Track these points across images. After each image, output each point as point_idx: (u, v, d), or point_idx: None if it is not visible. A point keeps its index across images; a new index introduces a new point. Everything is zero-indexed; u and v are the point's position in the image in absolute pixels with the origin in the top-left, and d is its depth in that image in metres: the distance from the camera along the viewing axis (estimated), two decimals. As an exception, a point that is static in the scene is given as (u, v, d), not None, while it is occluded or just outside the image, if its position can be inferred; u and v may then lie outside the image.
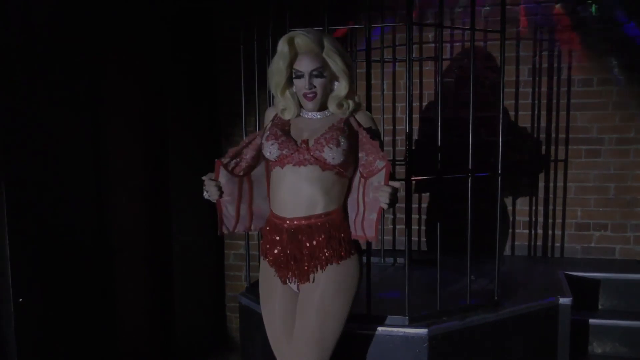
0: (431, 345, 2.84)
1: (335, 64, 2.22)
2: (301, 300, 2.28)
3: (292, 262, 2.24)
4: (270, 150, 2.20)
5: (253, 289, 3.31)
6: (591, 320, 3.67)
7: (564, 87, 4.33)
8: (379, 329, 2.85)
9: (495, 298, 3.16)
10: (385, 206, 2.10)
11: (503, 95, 3.20)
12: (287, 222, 2.22)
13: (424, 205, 4.48)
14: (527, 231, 4.46)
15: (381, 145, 2.32)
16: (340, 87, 2.26)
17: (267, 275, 2.35)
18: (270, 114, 2.39)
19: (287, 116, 2.30)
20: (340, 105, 2.28)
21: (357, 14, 4.48)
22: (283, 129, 2.25)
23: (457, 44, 4.48)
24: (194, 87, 4.64)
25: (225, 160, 2.34)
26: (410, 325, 2.85)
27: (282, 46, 2.20)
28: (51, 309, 3.25)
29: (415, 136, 4.42)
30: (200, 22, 4.65)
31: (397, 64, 4.50)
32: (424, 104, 4.55)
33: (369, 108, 2.97)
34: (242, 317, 3.48)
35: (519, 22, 4.35)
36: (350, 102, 2.30)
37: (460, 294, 3.12)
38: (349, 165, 2.25)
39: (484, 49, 4.38)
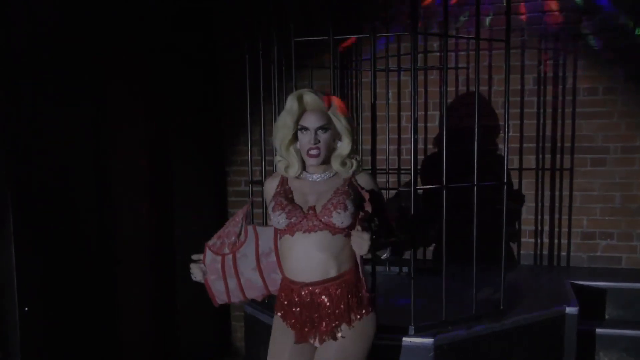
0: (437, 355, 2.82)
1: (340, 122, 2.28)
2: (318, 356, 2.31)
3: (310, 325, 2.28)
4: (278, 221, 2.23)
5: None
6: (598, 330, 3.65)
7: (569, 96, 4.33)
8: (385, 338, 2.84)
9: (501, 307, 3.15)
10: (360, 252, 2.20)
11: (508, 104, 3.19)
12: (303, 287, 2.26)
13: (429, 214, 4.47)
14: (533, 240, 4.45)
15: (383, 207, 2.42)
16: (344, 146, 2.31)
17: (279, 331, 2.37)
18: (270, 186, 2.38)
19: (291, 174, 2.32)
20: (343, 164, 2.31)
21: (362, 23, 4.50)
22: (287, 197, 2.27)
23: (462, 53, 4.49)
24: (198, 96, 4.66)
25: (211, 242, 2.48)
26: (416, 335, 2.84)
27: (292, 103, 2.25)
28: (55, 318, 3.25)
29: (420, 145, 4.42)
30: (205, 32, 4.67)
31: (402, 73, 4.51)
32: (429, 112, 4.55)
33: (374, 117, 2.98)
34: (247, 326, 3.47)
35: (524, 31, 4.36)
36: (354, 162, 2.35)
37: (466, 303, 3.11)
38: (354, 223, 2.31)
39: (489, 57, 4.38)
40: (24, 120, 3.07)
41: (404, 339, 2.84)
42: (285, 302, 2.33)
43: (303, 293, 2.26)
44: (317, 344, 2.33)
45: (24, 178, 3.07)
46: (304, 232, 2.23)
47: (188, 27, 4.47)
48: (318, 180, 2.33)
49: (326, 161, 2.32)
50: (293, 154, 2.32)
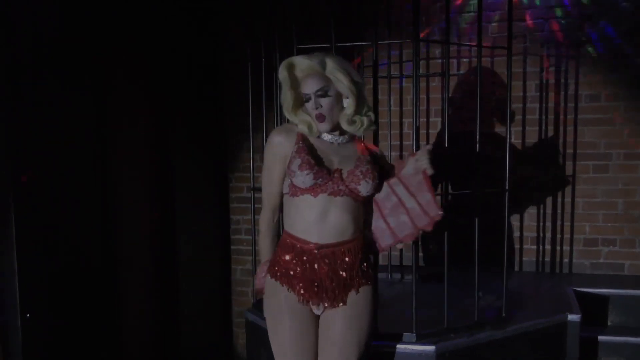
0: (439, 362, 2.82)
1: (340, 82, 2.22)
2: (327, 326, 2.27)
3: (324, 286, 2.23)
4: (304, 180, 2.17)
5: (260, 305, 3.30)
6: (600, 337, 3.63)
7: (571, 102, 4.33)
8: (387, 345, 2.83)
9: (503, 315, 3.14)
10: (430, 170, 2.32)
11: (510, 110, 3.20)
12: (316, 246, 2.21)
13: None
14: (535, 247, 4.44)
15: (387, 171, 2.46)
16: (349, 104, 2.25)
17: (277, 296, 2.29)
18: (285, 140, 2.27)
19: (313, 133, 2.27)
20: (352, 122, 2.27)
21: (364, 29, 4.51)
22: (313, 155, 2.22)
23: (465, 59, 4.50)
24: (201, 101, 4.66)
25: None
26: (417, 342, 2.83)
27: (282, 72, 2.24)
28: (57, 323, 3.25)
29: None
30: (208, 36, 4.68)
31: (404, 79, 4.52)
32: (431, 119, 4.56)
33: (376, 123, 2.98)
34: (248, 333, 3.47)
35: (526, 37, 4.36)
36: (364, 119, 2.29)
37: (468, 310, 3.11)
38: (374, 194, 2.34)
39: (491, 64, 4.38)
40: (25, 122, 3.07)
41: (406, 346, 2.83)
42: (288, 264, 2.25)
43: (316, 252, 2.21)
44: (317, 311, 2.28)
45: (26, 185, 3.07)
46: (328, 194, 2.20)
47: (191, 30, 4.49)
48: (338, 142, 2.30)
49: (337, 124, 2.29)
50: (303, 115, 2.27)
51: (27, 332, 3.06)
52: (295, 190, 2.22)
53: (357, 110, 2.27)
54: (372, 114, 2.35)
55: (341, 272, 2.23)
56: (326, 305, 2.27)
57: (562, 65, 4.33)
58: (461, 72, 4.50)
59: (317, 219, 2.20)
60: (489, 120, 4.31)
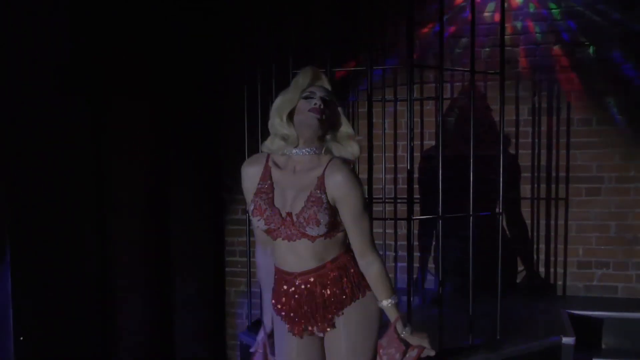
0: (433, 385, 2.81)
1: (339, 108, 2.23)
2: (328, 349, 2.26)
3: (308, 314, 2.21)
4: (258, 225, 2.17)
5: (255, 328, 3.30)
6: (594, 360, 3.65)
7: (563, 126, 4.38)
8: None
9: (498, 337, 3.15)
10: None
11: (503, 134, 3.25)
12: (297, 276, 2.19)
13: (426, 243, 4.49)
14: (529, 269, 4.46)
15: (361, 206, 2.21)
16: (346, 126, 2.22)
17: (281, 330, 2.29)
18: (252, 174, 2.22)
19: (290, 143, 2.16)
20: (346, 142, 2.22)
21: (358, 53, 4.56)
22: (268, 198, 2.17)
23: (458, 84, 4.55)
24: (198, 123, 4.69)
25: None
26: (411, 365, 2.83)
27: (304, 77, 2.20)
28: (51, 347, 3.24)
29: (416, 174, 4.46)
30: (206, 58, 4.72)
31: (398, 103, 4.57)
32: (425, 142, 4.60)
33: (370, 147, 3.02)
34: (242, 355, 3.46)
35: (518, 62, 4.43)
36: (356, 146, 2.25)
37: (463, 332, 3.12)
38: (337, 223, 2.18)
39: (484, 88, 4.44)
40: (21, 127, 3.08)
41: (400, 369, 2.83)
42: (283, 299, 2.23)
43: (297, 282, 2.18)
44: (318, 333, 2.25)
45: (21, 206, 3.08)
46: (283, 239, 2.16)
47: (191, 50, 4.52)
48: (308, 154, 2.16)
49: (316, 137, 2.16)
50: (288, 125, 2.15)
51: (20, 356, 3.05)
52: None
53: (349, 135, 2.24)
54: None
55: (323, 296, 2.18)
56: (318, 329, 2.23)
57: (554, 90, 4.39)
58: (455, 96, 4.55)
59: (287, 255, 2.18)
60: (483, 144, 4.35)
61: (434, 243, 4.43)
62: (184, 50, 4.44)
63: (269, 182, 2.19)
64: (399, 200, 4.24)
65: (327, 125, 2.17)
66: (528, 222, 4.46)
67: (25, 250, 3.08)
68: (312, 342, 2.25)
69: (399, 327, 2.15)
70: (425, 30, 4.56)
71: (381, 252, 4.50)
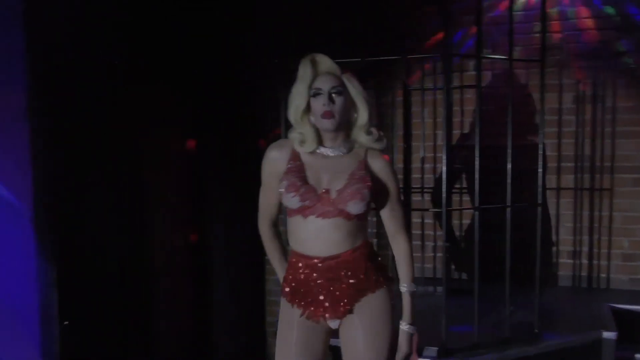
0: (468, 378, 2.80)
1: (354, 87, 2.16)
2: (345, 339, 2.23)
3: (329, 298, 2.17)
4: (291, 202, 2.12)
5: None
6: (637, 356, 3.53)
7: (608, 114, 4.26)
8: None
9: (536, 331, 3.10)
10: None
11: (543, 123, 3.19)
12: (322, 260, 2.15)
13: (464, 234, 4.44)
14: (570, 261, 4.37)
15: (397, 198, 2.27)
16: (363, 114, 2.17)
17: (285, 312, 2.25)
18: (279, 157, 2.21)
19: (307, 148, 2.17)
20: (369, 132, 2.18)
21: (399, 42, 4.51)
22: (300, 176, 2.14)
23: (499, 71, 4.46)
24: (234, 121, 4.70)
25: None
26: (446, 357, 2.82)
27: (305, 68, 2.15)
28: (94, 333, 3.32)
29: (456, 164, 4.40)
30: (241, 55, 4.74)
31: (438, 91, 4.51)
32: (465, 132, 4.53)
33: (408, 135, 2.99)
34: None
35: (562, 49, 4.32)
36: (381, 132, 2.22)
37: (499, 325, 3.08)
38: (370, 208, 2.20)
39: (526, 76, 4.35)
40: (65, 132, 3.17)
41: (429, 361, 2.82)
42: (295, 280, 2.19)
43: (320, 267, 2.14)
44: (332, 323, 2.21)
45: (67, 201, 3.17)
46: (317, 216, 2.13)
47: (221, 44, 4.53)
48: (332, 155, 2.18)
49: (341, 131, 2.17)
50: (308, 127, 2.16)
51: (65, 341, 3.14)
52: (289, 211, 2.17)
53: (370, 122, 2.20)
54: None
55: (347, 282, 2.16)
56: (337, 318, 2.20)
57: (599, 77, 4.27)
58: (495, 84, 4.47)
59: (312, 238, 2.14)
60: (524, 133, 4.27)
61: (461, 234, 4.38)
62: (203, 48, 4.43)
63: (299, 162, 2.17)
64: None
65: (345, 114, 2.14)
66: (571, 213, 4.36)
67: (69, 241, 3.17)
68: (315, 333, 2.21)
69: (406, 319, 2.21)
70: (467, 17, 4.48)
71: (418, 242, 4.49)
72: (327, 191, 2.13)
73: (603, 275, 4.30)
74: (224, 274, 4.52)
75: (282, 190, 2.13)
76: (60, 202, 3.16)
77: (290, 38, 4.19)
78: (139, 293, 3.73)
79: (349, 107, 2.15)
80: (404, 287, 2.22)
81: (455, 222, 4.49)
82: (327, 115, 2.10)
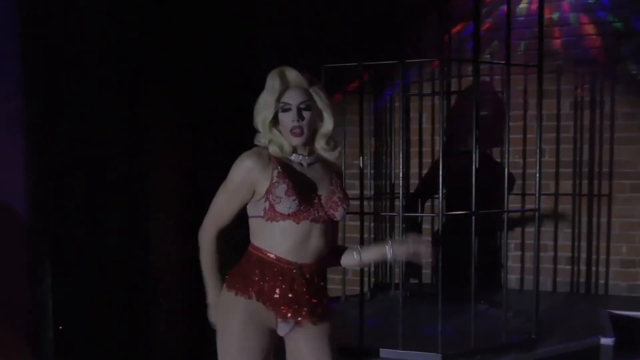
0: (464, 384, 2.79)
1: (321, 100, 2.19)
2: (310, 343, 2.24)
3: (302, 303, 2.19)
4: (290, 206, 2.12)
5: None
6: (636, 362, 3.54)
7: (607, 120, 4.26)
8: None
9: (533, 336, 3.09)
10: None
11: (540, 129, 3.18)
12: (297, 266, 2.18)
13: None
14: (569, 267, 4.35)
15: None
16: (327, 123, 2.21)
17: (243, 312, 2.20)
18: (259, 164, 2.18)
19: (284, 154, 2.20)
20: (328, 142, 2.23)
21: (399, 47, 4.51)
22: (292, 182, 2.16)
23: (497, 77, 4.46)
24: (233, 117, 4.70)
25: None
26: (442, 363, 2.81)
27: (274, 81, 2.17)
28: (89, 337, 3.31)
29: (453, 169, 4.39)
30: (242, 53, 4.74)
31: (437, 97, 4.51)
32: (461, 137, 4.53)
33: (406, 140, 2.99)
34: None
35: (559, 55, 4.31)
36: (337, 142, 2.28)
37: (496, 330, 3.07)
38: None
39: (524, 82, 4.34)
40: (61, 128, 3.16)
41: (430, 367, 2.81)
42: (262, 281, 2.19)
43: (298, 272, 2.17)
44: (283, 331, 2.22)
45: (63, 204, 3.16)
46: (310, 220, 2.16)
47: (224, 42, 4.53)
48: (308, 163, 2.23)
49: (309, 142, 2.22)
50: (278, 135, 2.20)
51: (60, 345, 3.12)
52: (275, 215, 2.15)
53: (332, 132, 2.25)
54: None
55: (315, 289, 2.21)
56: (299, 319, 2.21)
57: (597, 83, 4.27)
58: (492, 90, 4.46)
59: (299, 243, 2.17)
60: (521, 139, 4.28)
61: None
62: (219, 50, 4.45)
63: (281, 170, 2.17)
64: (435, 197, 4.18)
65: (312, 126, 2.19)
66: (569, 218, 4.35)
67: (64, 245, 3.16)
68: (272, 340, 2.22)
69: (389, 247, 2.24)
70: (465, 23, 4.48)
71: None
72: (319, 197, 2.18)
73: (601, 281, 4.29)
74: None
75: (280, 195, 2.12)
76: (55, 204, 3.15)
77: (291, 42, 4.21)
78: (136, 296, 3.71)
79: (316, 118, 2.20)
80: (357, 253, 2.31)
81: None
82: (297, 133, 2.15)
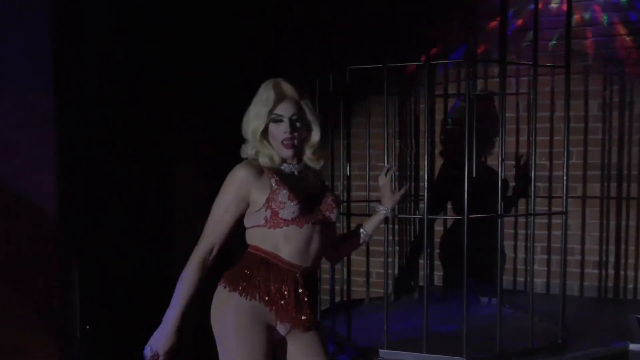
0: (489, 389, 2.76)
1: (310, 113, 2.26)
2: (307, 349, 2.29)
3: (300, 306, 2.22)
4: (293, 210, 2.17)
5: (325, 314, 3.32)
6: (666, 369, 3.47)
7: (636, 122, 4.18)
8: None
9: (559, 341, 3.04)
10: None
11: (568, 131, 3.13)
12: (299, 269, 2.22)
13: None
14: (596, 271, 4.29)
15: None
16: (315, 135, 2.28)
17: (248, 313, 2.22)
18: (252, 174, 2.22)
19: (274, 163, 2.24)
20: (315, 153, 2.29)
21: (423, 48, 4.49)
22: (292, 187, 2.21)
23: (524, 78, 4.41)
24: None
25: None
26: (469, 367, 2.78)
27: (268, 93, 2.20)
28: (116, 337, 3.34)
29: (480, 172, 4.35)
30: (264, 56, 4.75)
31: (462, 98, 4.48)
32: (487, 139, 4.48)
33: (431, 142, 2.96)
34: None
35: (588, 55, 4.25)
36: (323, 152, 2.35)
37: (521, 335, 3.03)
38: None
39: (551, 83, 4.29)
40: (91, 141, 3.20)
41: (455, 371, 2.78)
42: (273, 283, 2.21)
43: (297, 275, 2.20)
44: (284, 331, 2.25)
45: (89, 202, 3.19)
46: (311, 223, 2.21)
47: (246, 47, 4.55)
48: (299, 170, 2.29)
49: (296, 152, 2.27)
50: (267, 146, 2.24)
51: (87, 344, 3.16)
52: (278, 222, 2.18)
53: (319, 144, 2.31)
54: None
55: (312, 292, 2.27)
56: (303, 318, 2.25)
57: (627, 84, 4.19)
58: (521, 91, 4.42)
59: (302, 246, 2.21)
60: (548, 141, 4.22)
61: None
62: (241, 56, 4.46)
63: (277, 178, 2.22)
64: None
65: (302, 140, 2.26)
66: (597, 222, 4.29)
67: (92, 245, 3.20)
68: (273, 338, 2.24)
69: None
70: (493, 23, 4.44)
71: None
72: (316, 201, 2.27)
73: (630, 285, 4.22)
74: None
75: (284, 200, 2.17)
76: (85, 205, 3.18)
77: (315, 44, 4.21)
78: (162, 296, 3.73)
79: (305, 131, 2.26)
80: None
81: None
82: (288, 145, 2.21)
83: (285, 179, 2.23)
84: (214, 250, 2.31)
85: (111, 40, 3.35)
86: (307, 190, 2.27)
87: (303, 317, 2.21)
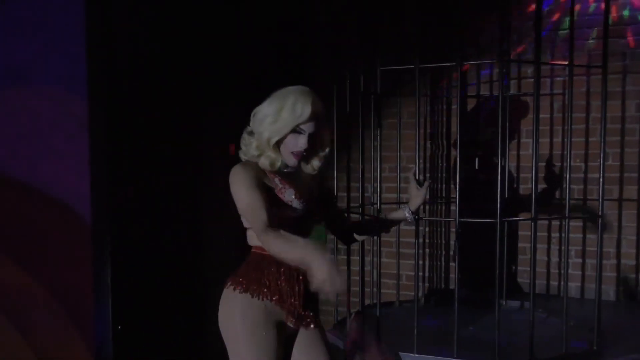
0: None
1: (324, 127, 2.25)
2: (310, 344, 2.29)
3: (306, 299, 2.26)
4: (299, 207, 2.22)
5: (340, 327, 3.31)
6: None
7: (676, 123, 4.07)
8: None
9: (595, 347, 2.98)
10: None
11: (604, 132, 3.06)
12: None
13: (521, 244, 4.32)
14: (633, 276, 4.19)
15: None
16: (327, 149, 2.31)
17: (257, 308, 2.21)
18: (256, 172, 2.23)
19: (273, 168, 2.24)
20: (319, 164, 2.31)
21: (458, 50, 4.44)
22: (290, 185, 2.24)
23: (559, 78, 4.33)
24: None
25: None
26: (499, 373, 2.74)
27: (304, 107, 2.14)
28: (147, 337, 3.37)
29: (515, 174, 4.29)
30: (295, 56, 4.76)
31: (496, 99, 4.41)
32: (522, 140, 4.41)
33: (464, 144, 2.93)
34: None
35: (625, 55, 4.16)
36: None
37: (555, 341, 2.97)
38: None
39: (587, 83, 4.20)
40: (125, 132, 3.24)
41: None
42: (283, 280, 2.21)
43: (297, 271, 2.18)
44: (292, 323, 2.26)
45: (123, 204, 3.23)
46: (313, 219, 2.31)
47: (277, 48, 4.56)
48: (292, 170, 2.29)
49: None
50: (275, 150, 2.22)
51: (118, 345, 3.19)
52: (282, 220, 2.15)
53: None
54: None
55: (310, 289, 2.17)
56: (311, 314, 2.30)
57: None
58: (556, 91, 4.34)
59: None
60: (584, 142, 4.14)
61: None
62: (269, 53, 4.47)
63: (280, 177, 2.25)
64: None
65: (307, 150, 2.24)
66: (634, 225, 4.18)
67: (124, 247, 3.23)
68: (284, 334, 2.25)
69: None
70: (525, 23, 4.37)
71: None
72: (313, 197, 2.30)
73: (672, 291, 4.11)
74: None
75: (291, 198, 2.20)
76: (117, 206, 3.22)
77: (347, 45, 4.19)
78: (194, 296, 3.76)
79: (316, 143, 2.25)
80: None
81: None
82: (298, 156, 2.22)
83: (286, 176, 2.26)
84: (272, 225, 2.12)
85: (144, 45, 3.38)
86: (305, 187, 2.29)
87: (311, 314, 2.27)
